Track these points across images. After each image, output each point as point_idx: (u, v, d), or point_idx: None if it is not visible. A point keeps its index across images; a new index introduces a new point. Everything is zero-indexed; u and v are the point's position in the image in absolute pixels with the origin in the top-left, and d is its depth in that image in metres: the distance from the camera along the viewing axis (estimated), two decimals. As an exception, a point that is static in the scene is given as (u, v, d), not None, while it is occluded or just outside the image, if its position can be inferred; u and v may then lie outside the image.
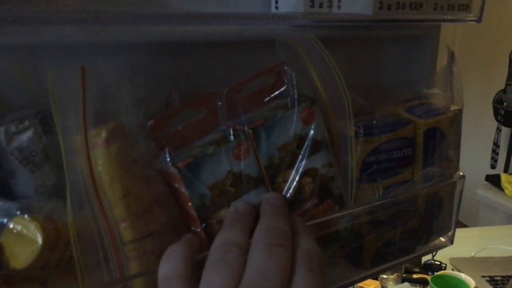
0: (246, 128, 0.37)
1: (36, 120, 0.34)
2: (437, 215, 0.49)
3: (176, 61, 0.40)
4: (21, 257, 0.29)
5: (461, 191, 0.49)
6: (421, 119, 0.45)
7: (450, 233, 0.52)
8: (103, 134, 0.30)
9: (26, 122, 0.33)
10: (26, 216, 0.29)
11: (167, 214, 0.36)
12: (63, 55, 0.35)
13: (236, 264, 0.27)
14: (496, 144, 2.42)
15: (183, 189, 0.33)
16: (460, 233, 1.49)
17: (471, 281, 1.18)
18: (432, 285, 1.16)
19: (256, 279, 0.26)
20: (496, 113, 2.35)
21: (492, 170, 2.45)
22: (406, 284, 1.31)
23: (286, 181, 0.39)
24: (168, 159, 0.34)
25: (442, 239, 0.52)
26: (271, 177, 0.38)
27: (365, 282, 1.32)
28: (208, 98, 0.36)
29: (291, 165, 0.39)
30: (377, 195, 0.46)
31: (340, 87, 0.42)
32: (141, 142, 0.33)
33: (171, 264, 0.29)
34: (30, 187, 0.35)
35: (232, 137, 0.36)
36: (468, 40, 2.54)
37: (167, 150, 0.34)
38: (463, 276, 1.21)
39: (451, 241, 0.52)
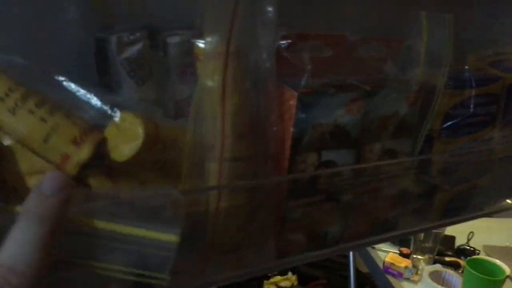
0: (366, 87, 0.37)
1: (145, 34, 0.35)
2: (509, 176, 0.49)
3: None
4: (122, 150, 0.30)
5: (537, 154, 0.49)
6: (505, 73, 0.44)
7: (519, 197, 0.51)
8: (233, 47, 0.31)
9: (137, 34, 0.35)
10: (130, 112, 0.30)
11: (261, 142, 0.37)
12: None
13: None
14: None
15: (293, 113, 0.34)
16: (495, 223, 1.48)
17: (506, 268, 1.17)
18: (468, 267, 1.15)
19: None
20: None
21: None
22: (438, 265, 1.31)
23: (372, 151, 0.40)
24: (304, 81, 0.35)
25: (510, 201, 0.52)
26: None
27: (397, 259, 1.33)
28: (336, 39, 0.37)
29: (377, 139, 0.40)
30: (453, 149, 0.46)
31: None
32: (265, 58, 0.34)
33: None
34: (134, 100, 0.36)
35: (352, 88, 0.37)
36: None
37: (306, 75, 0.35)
38: (498, 262, 1.20)
39: (519, 204, 0.52)
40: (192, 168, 0.33)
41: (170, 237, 0.28)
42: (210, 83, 0.32)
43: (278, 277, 1.84)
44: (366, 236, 0.43)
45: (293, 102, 0.35)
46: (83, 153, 0.29)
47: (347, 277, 1.71)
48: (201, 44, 0.33)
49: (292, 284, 1.85)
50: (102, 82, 0.35)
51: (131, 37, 0.34)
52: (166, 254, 0.28)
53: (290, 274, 1.86)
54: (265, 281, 1.82)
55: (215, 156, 0.33)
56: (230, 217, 0.35)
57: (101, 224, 0.27)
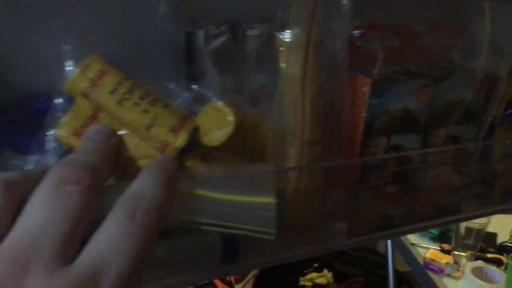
0: (434, 74, 0.40)
1: (229, 27, 0.38)
2: None
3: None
4: (214, 136, 0.32)
5: None
6: None
7: None
8: (313, 38, 0.34)
9: (222, 28, 0.38)
10: (220, 102, 0.33)
11: (336, 126, 0.39)
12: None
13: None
14: None
15: (366, 99, 0.37)
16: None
17: (552, 264, 1.15)
18: (512, 263, 1.14)
19: (17, 236, 0.18)
20: None
21: None
22: (480, 261, 1.30)
23: (437, 137, 0.42)
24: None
25: None
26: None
27: (438, 255, 1.33)
28: (403, 29, 0.39)
29: (443, 125, 0.42)
30: (514, 137, 0.47)
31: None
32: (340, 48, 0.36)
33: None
34: (216, 88, 0.39)
35: (421, 76, 0.39)
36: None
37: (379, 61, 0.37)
38: (544, 258, 1.18)
39: None
40: (274, 151, 0.36)
41: (268, 200, 0.31)
42: (291, 72, 0.35)
43: (314, 274, 1.85)
44: (430, 219, 0.45)
45: (366, 89, 0.38)
46: (180, 140, 0.32)
47: (383, 276, 1.71)
48: (283, 36, 0.35)
49: (328, 281, 1.86)
50: (189, 72, 0.38)
51: (217, 30, 0.37)
52: (268, 213, 0.31)
53: (325, 271, 1.87)
54: (301, 278, 1.84)
55: (296, 141, 0.36)
56: (307, 197, 0.38)
57: (204, 192, 0.30)
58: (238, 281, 1.67)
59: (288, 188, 0.37)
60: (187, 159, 0.34)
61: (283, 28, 0.36)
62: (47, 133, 0.30)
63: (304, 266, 1.85)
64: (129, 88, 0.30)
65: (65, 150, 0.31)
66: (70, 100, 0.31)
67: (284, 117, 0.36)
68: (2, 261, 0.17)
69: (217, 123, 0.33)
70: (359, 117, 0.38)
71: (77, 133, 0.30)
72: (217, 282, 1.58)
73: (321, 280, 1.85)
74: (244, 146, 0.36)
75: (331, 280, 1.86)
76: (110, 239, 0.20)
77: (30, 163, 0.30)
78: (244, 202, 0.31)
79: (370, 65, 0.38)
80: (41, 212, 0.19)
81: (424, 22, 0.42)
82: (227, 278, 1.63)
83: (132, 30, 0.37)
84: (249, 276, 1.70)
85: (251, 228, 0.31)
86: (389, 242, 1.64)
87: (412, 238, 1.48)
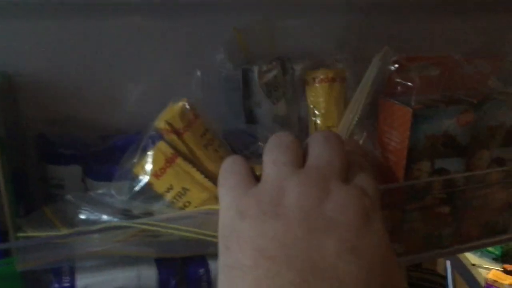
0: (473, 100, 0.42)
1: (279, 63, 0.43)
2: None
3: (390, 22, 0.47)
4: None
5: None
6: None
7: None
8: (330, 74, 0.40)
9: (273, 63, 0.42)
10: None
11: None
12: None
13: (295, 148, 0.27)
14: None
15: (408, 127, 0.40)
16: None
17: None
18: None
19: (318, 162, 0.26)
20: None
21: None
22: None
23: (481, 159, 0.44)
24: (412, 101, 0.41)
25: None
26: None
27: (500, 276, 1.29)
28: (443, 59, 0.42)
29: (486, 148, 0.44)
30: None
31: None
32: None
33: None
34: (270, 116, 0.44)
35: (461, 102, 0.42)
36: None
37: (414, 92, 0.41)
38: None
39: None
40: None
41: None
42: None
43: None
44: (478, 238, 0.46)
45: (407, 117, 0.40)
46: None
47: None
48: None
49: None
50: (246, 104, 0.43)
51: (269, 65, 0.42)
52: None
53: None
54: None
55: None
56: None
57: None
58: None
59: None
60: None
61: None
62: (126, 168, 0.34)
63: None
64: (212, 136, 0.35)
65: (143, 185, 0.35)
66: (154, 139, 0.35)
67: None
68: (312, 173, 0.25)
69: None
70: (402, 143, 0.41)
71: (157, 174, 0.33)
72: None
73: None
74: None
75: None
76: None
77: (109, 188, 0.35)
78: None
79: (411, 95, 0.41)
80: (325, 152, 0.26)
81: (463, 51, 0.44)
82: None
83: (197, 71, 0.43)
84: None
85: None
86: (448, 262, 1.59)
87: (473, 258, 1.43)
